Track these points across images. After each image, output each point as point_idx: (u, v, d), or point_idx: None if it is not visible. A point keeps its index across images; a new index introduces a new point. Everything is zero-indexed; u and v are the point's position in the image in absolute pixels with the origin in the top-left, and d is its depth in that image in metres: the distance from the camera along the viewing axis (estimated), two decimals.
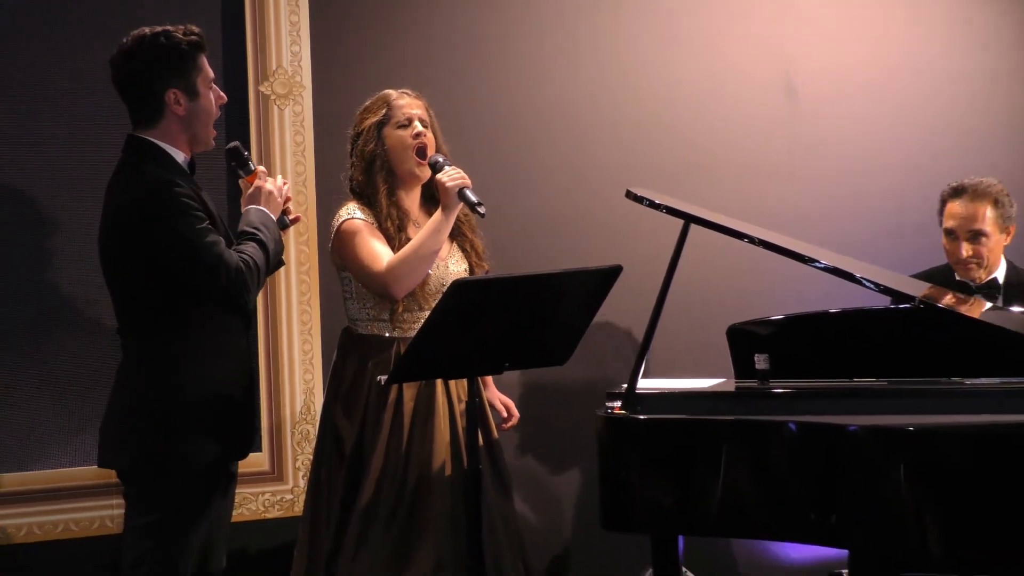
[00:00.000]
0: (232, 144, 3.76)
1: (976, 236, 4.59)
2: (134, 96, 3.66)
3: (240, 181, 3.76)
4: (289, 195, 3.79)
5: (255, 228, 3.62)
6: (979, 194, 4.59)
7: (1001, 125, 5.71)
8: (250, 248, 3.56)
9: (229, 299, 3.58)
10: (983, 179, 4.65)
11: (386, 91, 4.13)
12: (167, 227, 3.51)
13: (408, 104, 4.09)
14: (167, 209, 3.51)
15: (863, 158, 5.50)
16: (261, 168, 3.77)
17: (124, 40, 3.64)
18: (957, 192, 4.64)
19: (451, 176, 3.92)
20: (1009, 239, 4.66)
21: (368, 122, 4.08)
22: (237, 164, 3.76)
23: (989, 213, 4.59)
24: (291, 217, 3.84)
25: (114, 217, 3.56)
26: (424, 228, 3.97)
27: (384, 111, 4.08)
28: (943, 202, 4.70)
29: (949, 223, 4.66)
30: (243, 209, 3.70)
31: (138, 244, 3.52)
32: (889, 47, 5.55)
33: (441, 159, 4.00)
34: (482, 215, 3.96)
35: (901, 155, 5.54)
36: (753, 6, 5.35)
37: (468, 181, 3.93)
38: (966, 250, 4.59)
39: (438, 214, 3.95)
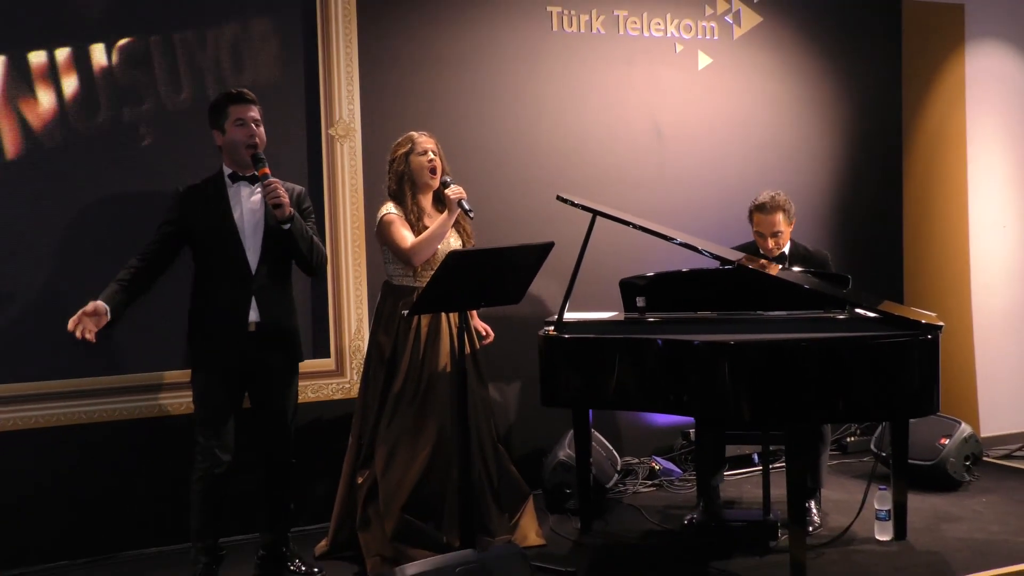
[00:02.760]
0: (255, 151, 3.64)
1: (775, 235, 4.53)
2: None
3: (258, 172, 3.63)
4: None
5: None
6: (773, 208, 4.52)
7: (787, 157, 5.73)
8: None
9: None
10: (774, 195, 4.55)
11: (411, 132, 4.11)
12: None
13: (425, 141, 4.07)
14: None
15: (703, 175, 5.49)
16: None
17: None
18: (759, 208, 4.55)
19: (454, 191, 3.94)
20: (792, 227, 4.62)
21: (399, 152, 4.08)
22: (253, 164, 3.64)
23: (781, 218, 4.52)
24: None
25: None
26: (435, 222, 3.99)
27: (410, 145, 4.07)
28: (751, 213, 4.60)
29: (757, 228, 4.58)
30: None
31: None
32: (721, 107, 5.54)
33: (448, 179, 4.00)
34: (472, 217, 4.00)
35: (727, 174, 5.54)
36: (633, 81, 5.32)
37: (464, 194, 3.95)
38: (771, 243, 4.54)
39: (445, 214, 3.97)
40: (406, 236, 3.99)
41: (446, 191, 3.97)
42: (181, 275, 4.23)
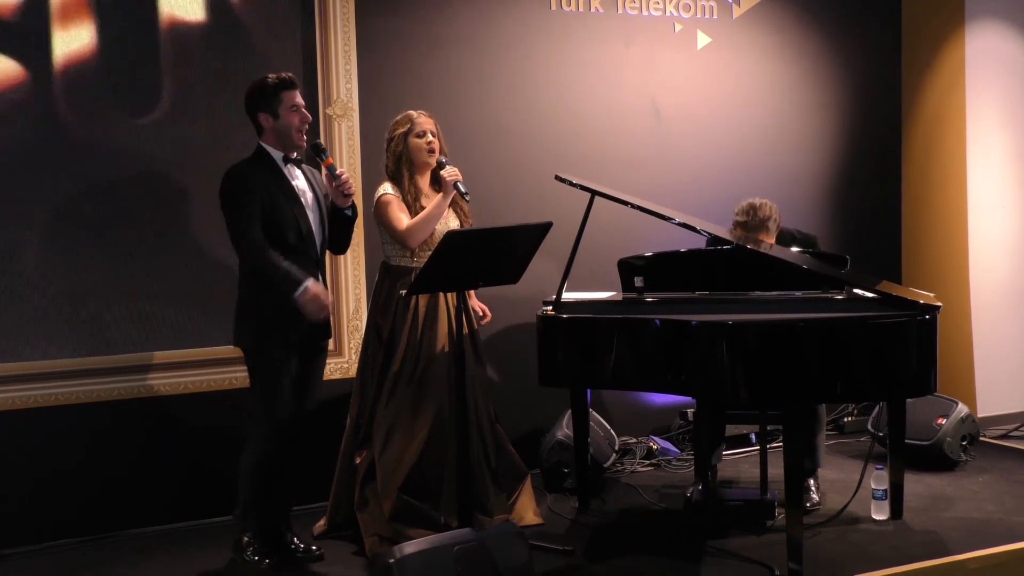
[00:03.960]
0: (316, 141, 3.80)
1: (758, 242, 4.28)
2: (250, 118, 3.75)
3: (321, 165, 3.76)
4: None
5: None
6: (756, 227, 4.36)
7: (786, 137, 5.72)
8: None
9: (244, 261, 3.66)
10: (757, 208, 4.36)
11: (410, 112, 4.08)
12: (222, 204, 3.68)
13: (424, 122, 4.05)
14: (224, 192, 3.66)
15: (702, 155, 5.47)
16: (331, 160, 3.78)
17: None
18: (742, 225, 4.39)
19: (450, 172, 3.92)
20: (779, 228, 4.45)
21: (398, 132, 4.05)
22: (315, 153, 3.77)
23: (764, 236, 4.38)
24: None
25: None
26: (431, 204, 3.97)
27: (408, 125, 4.04)
28: (734, 225, 4.43)
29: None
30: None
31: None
32: (720, 87, 5.53)
33: (444, 159, 3.99)
34: (468, 200, 4.00)
35: (726, 154, 5.52)
36: (632, 60, 5.30)
37: (460, 176, 3.93)
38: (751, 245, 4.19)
39: (440, 196, 3.96)
40: (402, 218, 3.97)
41: (442, 172, 3.95)
42: (172, 259, 4.26)
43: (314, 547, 3.92)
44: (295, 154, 3.77)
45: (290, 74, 3.76)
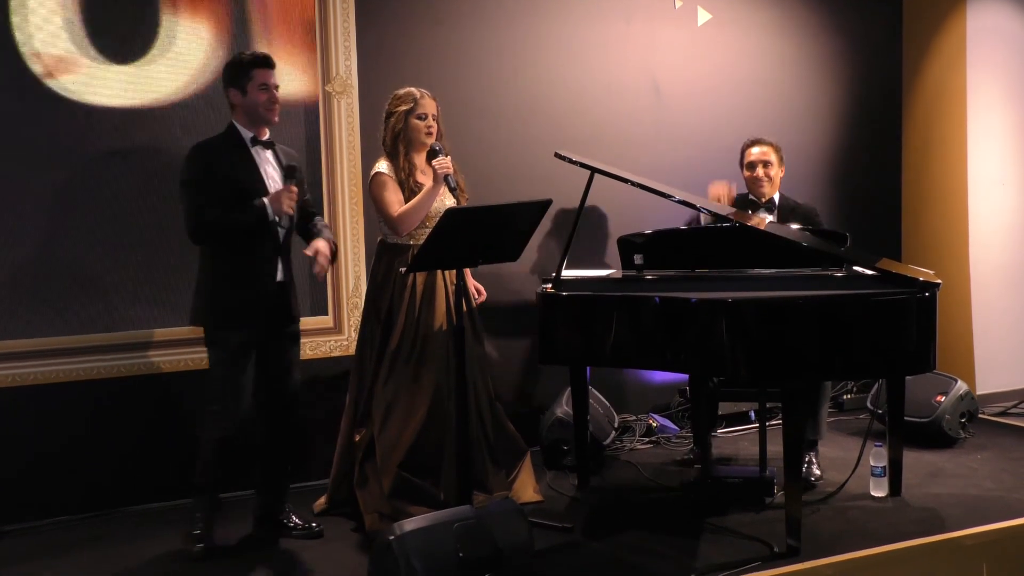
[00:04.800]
0: (291, 163, 3.78)
1: (766, 164, 4.55)
2: (225, 93, 3.73)
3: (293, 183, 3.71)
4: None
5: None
6: (765, 143, 4.58)
7: (786, 114, 5.69)
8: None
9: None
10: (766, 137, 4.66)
11: (413, 90, 4.01)
12: (182, 179, 3.65)
13: (428, 104, 3.99)
14: (185, 173, 3.64)
15: (702, 133, 5.44)
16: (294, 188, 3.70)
17: None
18: (753, 142, 4.60)
19: (440, 164, 3.85)
20: (783, 172, 4.63)
21: (400, 108, 3.99)
22: (288, 177, 3.71)
23: (772, 151, 4.57)
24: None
25: None
26: (421, 192, 3.92)
27: (412, 104, 3.98)
28: (744, 149, 4.64)
29: (749, 159, 4.60)
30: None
31: None
32: (720, 63, 5.49)
33: (438, 147, 3.91)
34: (455, 195, 3.92)
35: (725, 131, 5.44)
36: (632, 37, 5.26)
37: (451, 169, 3.87)
38: (760, 172, 4.57)
39: (430, 185, 3.90)
40: (394, 203, 3.95)
41: (432, 162, 3.88)
42: (173, 237, 4.23)
43: (314, 524, 3.92)
44: (266, 136, 3.73)
45: (266, 53, 3.72)
